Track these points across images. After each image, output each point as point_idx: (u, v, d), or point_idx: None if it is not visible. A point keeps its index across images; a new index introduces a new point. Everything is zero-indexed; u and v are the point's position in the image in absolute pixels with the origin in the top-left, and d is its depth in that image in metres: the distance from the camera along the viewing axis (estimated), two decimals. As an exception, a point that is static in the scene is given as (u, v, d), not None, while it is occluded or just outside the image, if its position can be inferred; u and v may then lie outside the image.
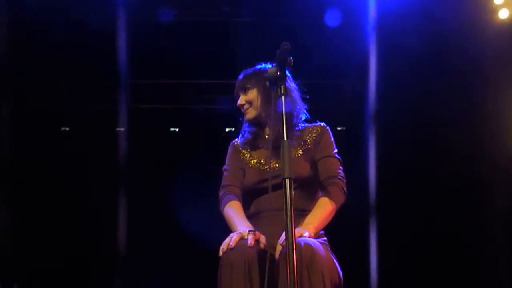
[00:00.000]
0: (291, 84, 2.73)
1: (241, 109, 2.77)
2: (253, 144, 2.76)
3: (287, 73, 2.47)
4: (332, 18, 4.43)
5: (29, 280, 4.48)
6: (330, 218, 2.60)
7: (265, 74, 2.35)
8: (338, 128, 4.95)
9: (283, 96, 2.26)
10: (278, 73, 2.28)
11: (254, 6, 4.58)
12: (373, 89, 4.68)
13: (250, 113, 2.73)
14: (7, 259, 4.47)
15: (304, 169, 2.63)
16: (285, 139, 2.20)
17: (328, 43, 4.47)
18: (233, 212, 2.59)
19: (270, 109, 2.43)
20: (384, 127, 4.77)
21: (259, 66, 2.77)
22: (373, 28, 4.43)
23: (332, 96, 4.93)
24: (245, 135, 2.78)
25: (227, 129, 5.04)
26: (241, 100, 2.74)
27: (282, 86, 2.27)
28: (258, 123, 2.75)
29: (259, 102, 2.69)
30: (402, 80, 4.67)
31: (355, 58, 4.55)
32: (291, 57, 2.29)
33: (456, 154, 4.76)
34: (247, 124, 2.80)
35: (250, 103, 2.72)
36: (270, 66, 2.69)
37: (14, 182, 4.67)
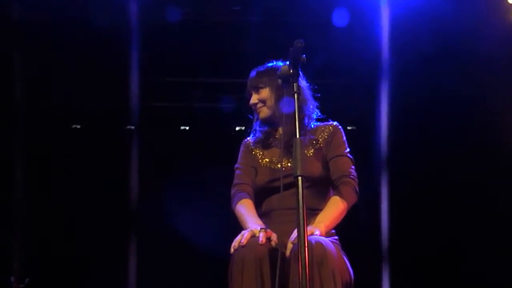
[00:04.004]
0: (303, 83, 2.73)
1: (254, 107, 2.75)
2: (265, 143, 2.75)
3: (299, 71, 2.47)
4: (342, 17, 4.42)
5: (41, 275, 4.50)
6: (342, 217, 2.59)
7: (278, 72, 2.35)
8: (349, 128, 4.94)
9: (295, 94, 2.27)
10: (291, 71, 2.29)
11: (264, 5, 4.58)
12: (385, 89, 4.66)
13: (263, 112, 2.71)
14: (19, 254, 4.50)
15: (316, 169, 2.63)
16: (297, 136, 2.21)
17: (339, 41, 4.46)
18: (245, 210, 2.59)
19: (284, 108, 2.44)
20: (396, 127, 4.75)
21: (270, 64, 2.75)
22: (385, 28, 4.42)
23: (342, 95, 4.92)
24: (257, 134, 2.78)
25: (237, 128, 5.05)
26: (254, 99, 2.72)
27: (295, 84, 2.28)
28: (271, 122, 2.73)
29: (272, 101, 2.67)
30: (414, 80, 4.65)
31: (367, 57, 4.54)
32: (304, 55, 2.29)
33: (468, 154, 4.73)
34: (258, 122, 2.78)
35: (263, 102, 2.70)
36: (282, 63, 2.69)
37: (25, 178, 4.69)
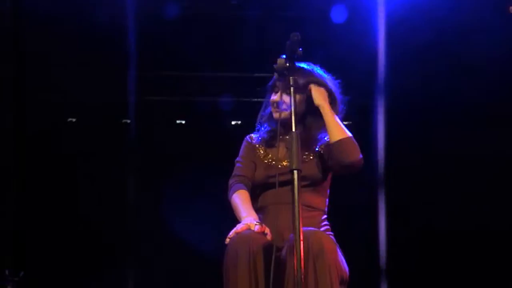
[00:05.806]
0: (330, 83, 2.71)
1: (273, 105, 2.63)
2: (269, 143, 2.71)
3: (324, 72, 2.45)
4: (340, 12, 4.41)
5: (36, 269, 4.49)
6: (345, 139, 2.56)
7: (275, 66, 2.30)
8: (345, 123, 4.92)
9: (291, 88, 2.25)
10: (287, 64, 2.28)
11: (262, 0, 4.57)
12: (382, 83, 4.66)
13: (284, 115, 2.57)
14: (13, 246, 4.49)
15: (317, 170, 2.60)
16: (293, 129, 2.19)
17: (337, 36, 4.45)
18: (240, 200, 2.57)
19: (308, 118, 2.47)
20: (392, 121, 4.74)
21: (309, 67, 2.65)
22: (382, 22, 4.41)
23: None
24: (263, 135, 2.73)
25: (233, 122, 5.03)
26: (279, 98, 2.59)
27: (290, 78, 2.27)
28: (284, 124, 2.56)
29: (302, 109, 2.57)
30: (410, 74, 4.64)
31: (363, 53, 4.53)
32: (300, 48, 2.28)
33: (467, 154, 4.72)
34: (266, 117, 2.73)
35: (289, 106, 2.39)
36: (326, 76, 2.66)
37: (21, 172, 4.68)
